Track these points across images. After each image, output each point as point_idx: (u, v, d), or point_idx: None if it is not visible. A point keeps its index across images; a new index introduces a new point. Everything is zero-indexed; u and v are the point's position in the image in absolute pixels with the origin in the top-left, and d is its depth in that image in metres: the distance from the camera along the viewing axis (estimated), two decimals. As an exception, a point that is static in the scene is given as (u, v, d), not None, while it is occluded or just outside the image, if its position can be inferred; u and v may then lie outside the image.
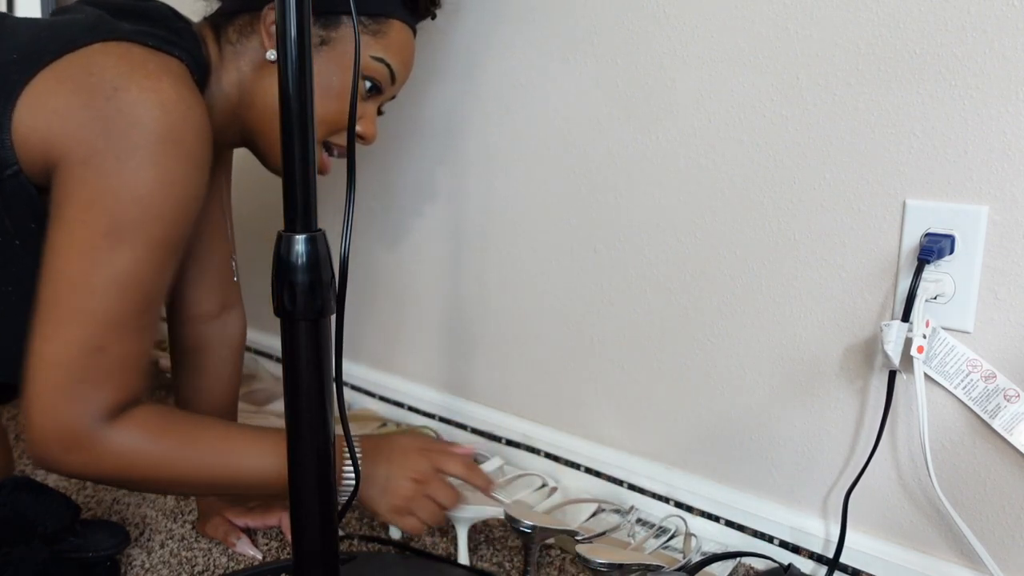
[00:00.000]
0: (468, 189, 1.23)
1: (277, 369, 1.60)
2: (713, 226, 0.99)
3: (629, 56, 1.02)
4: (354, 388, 1.48)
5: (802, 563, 0.97)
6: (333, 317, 0.72)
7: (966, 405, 0.83)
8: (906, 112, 0.82)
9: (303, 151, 0.66)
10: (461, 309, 1.29)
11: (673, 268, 1.03)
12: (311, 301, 0.68)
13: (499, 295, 1.22)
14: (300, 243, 0.67)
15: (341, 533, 1.08)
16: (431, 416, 1.36)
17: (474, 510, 1.00)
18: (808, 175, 0.90)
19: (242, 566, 1.01)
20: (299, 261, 0.68)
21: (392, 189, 1.33)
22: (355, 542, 1.07)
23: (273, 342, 1.61)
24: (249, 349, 1.65)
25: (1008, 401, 0.81)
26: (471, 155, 1.21)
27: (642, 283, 1.06)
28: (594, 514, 1.09)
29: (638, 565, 0.88)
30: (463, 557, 1.02)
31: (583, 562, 0.88)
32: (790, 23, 0.88)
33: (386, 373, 1.44)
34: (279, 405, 1.39)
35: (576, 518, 1.07)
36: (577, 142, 1.09)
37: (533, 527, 0.93)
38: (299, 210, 0.67)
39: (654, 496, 1.09)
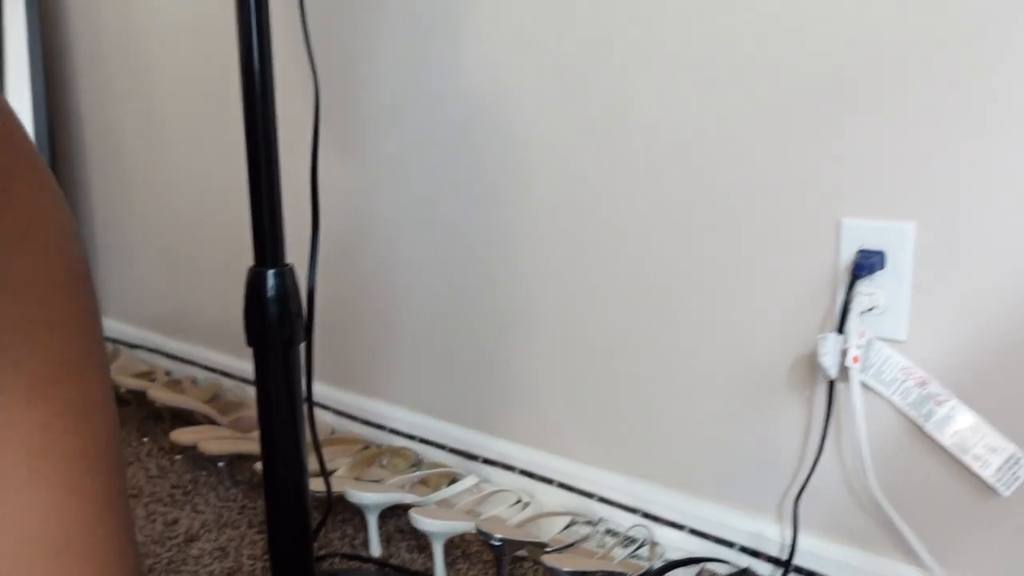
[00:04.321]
0: (454, 215, 1.28)
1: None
2: (668, 248, 1.04)
3: (587, 82, 1.08)
4: (338, 413, 1.52)
5: (761, 566, 1.02)
6: (303, 346, 0.78)
7: (901, 410, 0.89)
8: (840, 139, 0.89)
9: (270, 194, 0.72)
10: (441, 333, 1.34)
11: (633, 289, 1.08)
12: (281, 331, 0.74)
13: (475, 321, 1.28)
14: (270, 278, 0.73)
15: (321, 552, 1.13)
16: (412, 437, 1.41)
17: (448, 526, 1.05)
18: (754, 198, 0.96)
19: (228, 586, 1.06)
20: (269, 294, 0.73)
21: (364, 218, 1.39)
22: (336, 560, 1.12)
23: (259, 371, 1.66)
24: (235, 377, 1.70)
25: (938, 405, 0.86)
26: (461, 180, 1.27)
27: (604, 305, 1.12)
28: (566, 527, 1.14)
29: (602, 572, 0.93)
30: (439, 571, 1.06)
31: (551, 572, 0.93)
32: (734, 57, 0.95)
33: (368, 397, 1.49)
34: (265, 431, 1.44)
35: (549, 531, 1.12)
36: (544, 167, 1.14)
37: (503, 540, 0.98)
38: (268, 247, 0.73)
39: (623, 508, 1.14)
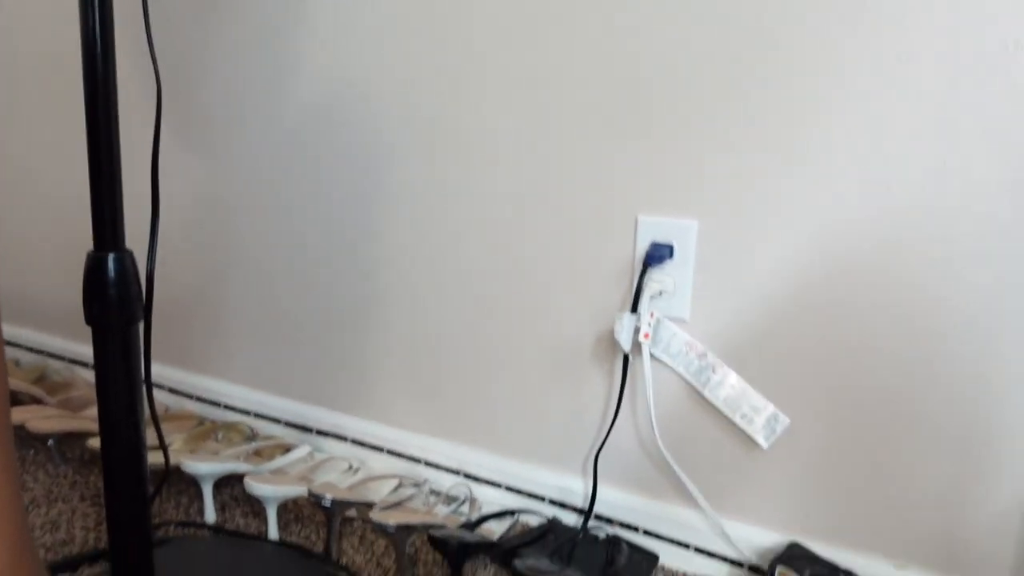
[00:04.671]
0: (294, 202, 1.33)
1: (91, 376, 1.64)
2: (488, 235, 1.14)
3: (424, 85, 1.16)
4: (172, 391, 1.54)
5: (567, 516, 1.15)
6: (141, 324, 0.82)
7: (685, 378, 1.03)
8: (638, 147, 1.01)
9: (110, 181, 0.76)
10: (272, 311, 1.39)
11: (456, 271, 1.18)
12: (121, 312, 0.78)
13: (306, 299, 1.34)
14: (110, 262, 0.77)
15: (156, 521, 1.17)
16: (247, 413, 1.45)
17: (282, 490, 1.11)
18: (567, 196, 1.07)
19: (60, 557, 1.08)
20: (109, 278, 0.77)
21: (206, 205, 1.42)
22: (171, 528, 1.16)
23: (85, 350, 1.65)
24: (63, 358, 1.68)
25: (714, 373, 1.01)
26: (287, 161, 1.32)
27: (437, 287, 1.21)
28: (395, 489, 1.23)
29: (425, 525, 1.03)
30: (273, 533, 1.13)
31: (378, 527, 1.02)
32: (552, 72, 1.05)
33: (202, 375, 1.52)
34: (92, 410, 1.44)
35: (378, 493, 1.21)
36: (395, 168, 1.22)
37: (334, 501, 1.06)
38: (108, 233, 0.77)
39: (447, 470, 1.25)
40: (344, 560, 1.09)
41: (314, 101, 1.24)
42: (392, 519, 1.01)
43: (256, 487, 1.11)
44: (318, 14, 1.21)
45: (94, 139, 0.75)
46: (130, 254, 0.78)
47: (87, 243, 0.78)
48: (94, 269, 0.77)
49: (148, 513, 0.87)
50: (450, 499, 1.19)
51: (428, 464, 1.26)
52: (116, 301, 0.77)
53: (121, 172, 0.77)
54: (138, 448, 0.84)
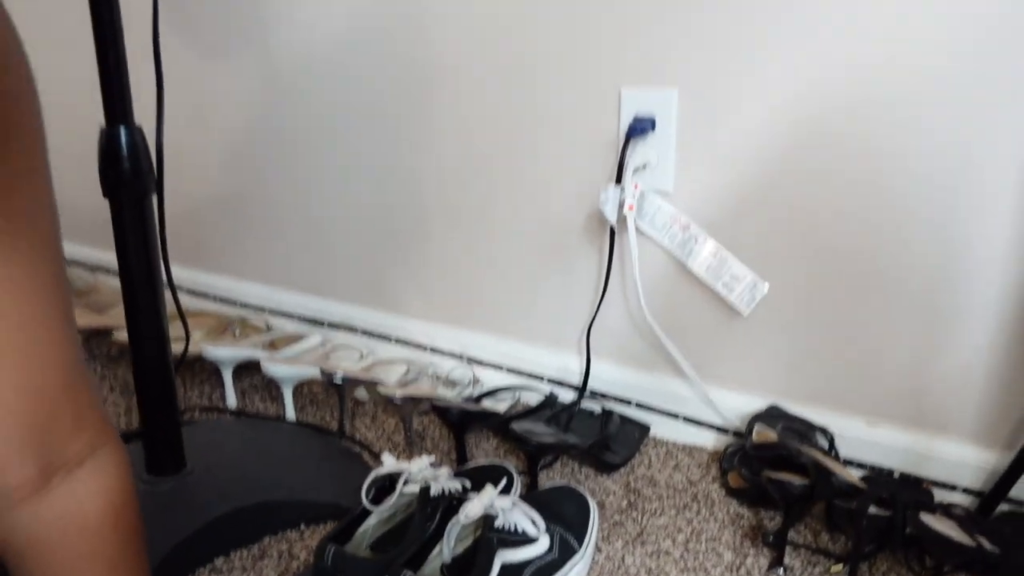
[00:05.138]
0: (279, 92, 1.38)
1: (114, 281, 1.72)
2: (479, 117, 1.19)
3: (409, 43, 1.20)
4: (189, 292, 1.62)
5: (565, 393, 1.22)
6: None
7: (670, 251, 1.08)
8: (620, 18, 1.04)
9: (116, 59, 0.82)
10: (283, 213, 1.45)
11: (453, 161, 1.23)
12: (135, 183, 0.84)
13: (317, 200, 1.40)
14: (122, 134, 0.83)
15: (181, 409, 1.25)
16: (261, 310, 1.53)
17: (296, 370, 1.19)
18: (550, 71, 1.11)
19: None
20: (122, 150, 0.83)
21: (204, 94, 1.47)
22: (195, 413, 1.24)
23: (107, 256, 1.72)
24: (85, 265, 1.75)
25: (696, 244, 1.06)
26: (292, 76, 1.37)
27: (439, 175, 1.26)
28: (404, 375, 1.30)
29: (428, 397, 1.10)
30: (290, 414, 1.21)
31: (386, 397, 1.09)
32: (528, -47, 1.08)
33: (218, 275, 1.59)
34: (117, 310, 1.52)
35: (388, 377, 1.28)
36: (371, 49, 1.26)
37: (344, 378, 1.13)
38: (118, 107, 0.83)
39: (451, 355, 1.32)
40: (357, 437, 1.17)
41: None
42: (400, 392, 1.08)
43: (273, 368, 1.18)
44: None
45: (98, 21, 0.80)
46: (140, 129, 0.84)
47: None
48: (108, 142, 0.83)
49: (173, 381, 0.95)
50: (455, 383, 1.26)
51: (433, 350, 1.33)
52: (130, 172, 0.83)
53: (125, 52, 0.82)
54: (159, 314, 0.91)
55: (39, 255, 0.56)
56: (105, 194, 0.85)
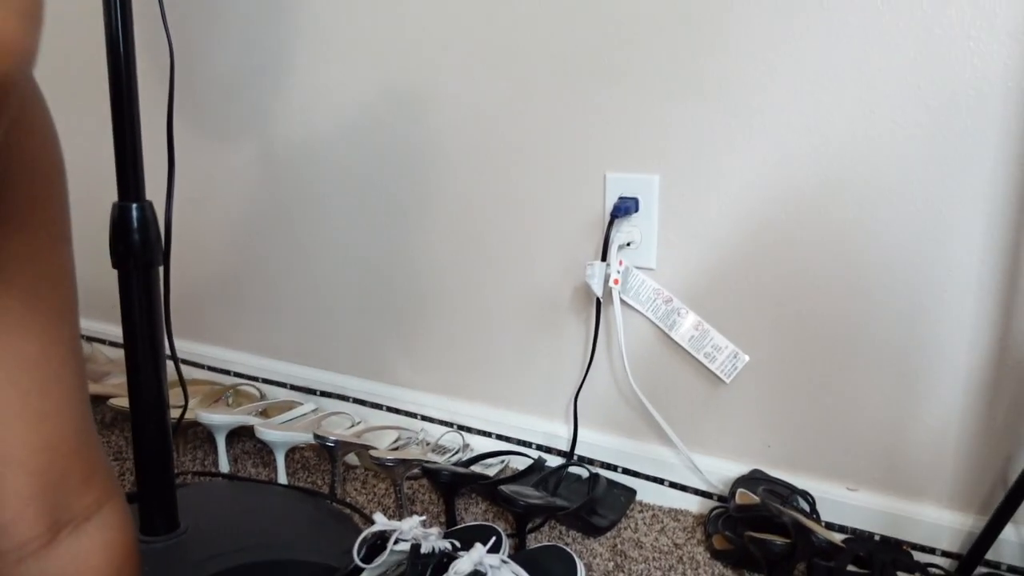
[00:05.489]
0: (278, 174, 1.44)
1: (112, 352, 1.75)
2: (472, 197, 1.24)
3: (402, 64, 1.26)
4: (184, 361, 1.65)
5: (553, 459, 1.25)
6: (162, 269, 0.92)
7: (654, 322, 1.13)
8: (605, 109, 1.11)
9: (132, 138, 0.87)
10: (278, 286, 1.49)
11: (446, 237, 1.28)
12: (143, 254, 0.89)
13: (312, 275, 1.44)
14: (133, 210, 0.87)
15: (175, 471, 1.27)
16: (255, 379, 1.56)
17: (289, 436, 1.21)
18: (540, 156, 1.17)
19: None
20: (132, 224, 0.88)
21: (207, 177, 1.52)
22: (189, 477, 1.26)
23: (107, 327, 1.75)
24: (83, 336, 1.78)
25: (679, 316, 1.11)
26: (284, 149, 1.42)
27: (432, 249, 1.31)
28: (395, 442, 1.33)
29: (419, 460, 1.13)
30: (282, 477, 1.23)
31: (376, 463, 1.12)
32: (523, 45, 1.15)
33: (215, 345, 1.62)
34: (113, 378, 1.54)
35: (379, 443, 1.31)
36: (369, 136, 1.32)
37: (337, 441, 1.16)
38: (131, 186, 0.88)
39: (441, 423, 1.35)
40: (348, 500, 1.19)
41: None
42: (390, 455, 1.11)
43: (266, 433, 1.21)
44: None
45: (117, 104, 0.85)
46: (150, 204, 0.89)
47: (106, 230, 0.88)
48: (120, 215, 0.87)
49: (170, 444, 0.98)
50: (445, 449, 1.29)
51: (424, 418, 1.36)
52: (139, 244, 0.88)
53: (140, 131, 0.87)
54: (160, 380, 0.94)
55: (58, 319, 0.60)
56: (114, 265, 0.89)
